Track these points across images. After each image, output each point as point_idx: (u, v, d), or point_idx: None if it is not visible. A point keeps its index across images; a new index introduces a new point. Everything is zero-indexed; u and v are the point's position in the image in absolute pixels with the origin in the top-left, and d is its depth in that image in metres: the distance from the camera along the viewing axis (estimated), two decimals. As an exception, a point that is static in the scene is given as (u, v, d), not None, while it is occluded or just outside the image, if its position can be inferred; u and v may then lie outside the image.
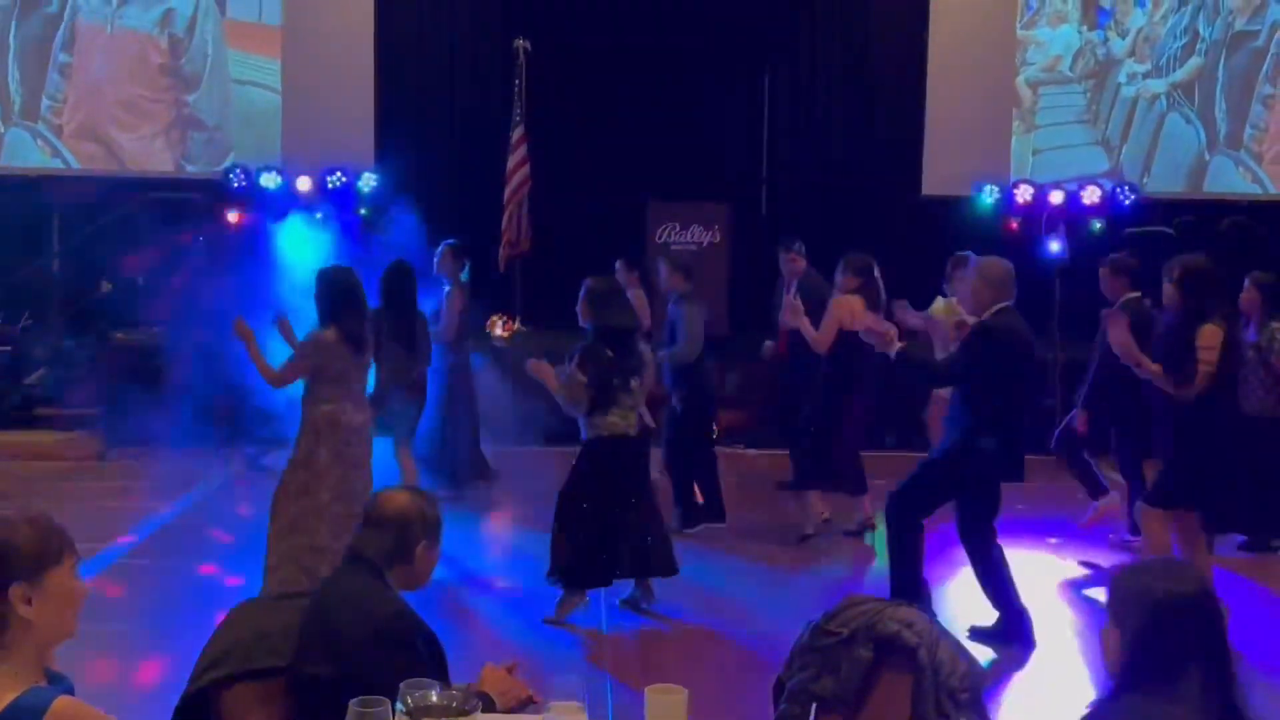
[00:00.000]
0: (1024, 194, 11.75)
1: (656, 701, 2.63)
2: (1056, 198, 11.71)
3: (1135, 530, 7.38)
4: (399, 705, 2.48)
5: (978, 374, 5.84)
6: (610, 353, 6.09)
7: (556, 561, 6.20)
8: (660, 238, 12.05)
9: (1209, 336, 5.78)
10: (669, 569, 6.35)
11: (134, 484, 8.66)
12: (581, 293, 6.26)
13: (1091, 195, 11.76)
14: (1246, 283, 7.57)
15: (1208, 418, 5.87)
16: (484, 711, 2.75)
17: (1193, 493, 5.98)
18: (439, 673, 3.01)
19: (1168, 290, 6.02)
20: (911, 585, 5.99)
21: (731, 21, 12.89)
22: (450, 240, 8.71)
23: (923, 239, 10.85)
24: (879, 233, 12.15)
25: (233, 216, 11.38)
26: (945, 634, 3.06)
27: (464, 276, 8.70)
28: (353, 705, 2.41)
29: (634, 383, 6.19)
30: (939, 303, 8.40)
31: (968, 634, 5.76)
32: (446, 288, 8.47)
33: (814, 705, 2.74)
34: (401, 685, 2.52)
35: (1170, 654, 2.48)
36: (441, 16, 12.66)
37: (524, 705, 3.06)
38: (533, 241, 11.48)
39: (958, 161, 12.09)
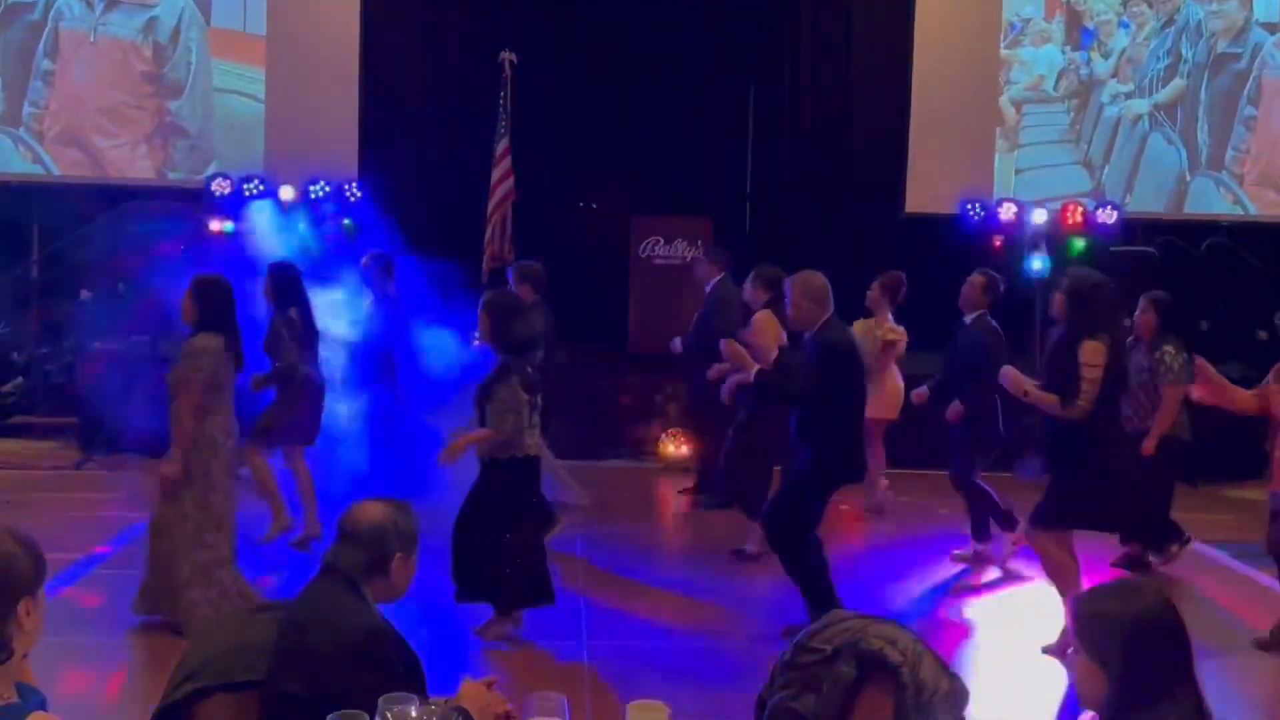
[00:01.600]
0: (1007, 212, 11.80)
1: (638, 718, 2.60)
2: (1039, 216, 11.76)
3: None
4: (377, 720, 2.45)
5: (828, 387, 6.01)
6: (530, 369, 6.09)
7: (498, 585, 6.07)
8: (644, 251, 12.04)
9: (1091, 353, 5.77)
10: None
11: (110, 494, 8.58)
12: (484, 308, 6.14)
13: (1074, 214, 11.81)
14: (1142, 302, 7.53)
15: (1093, 434, 5.85)
16: (463, 727, 2.72)
17: (1080, 510, 5.99)
18: (416, 688, 2.97)
19: (1058, 300, 6.08)
20: (828, 596, 6.08)
21: (716, 37, 12.93)
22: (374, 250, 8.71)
23: (906, 256, 10.84)
24: (862, 250, 12.18)
25: (214, 225, 11.32)
26: (928, 652, 3.05)
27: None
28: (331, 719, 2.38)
29: (538, 400, 6.11)
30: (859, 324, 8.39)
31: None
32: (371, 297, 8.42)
33: (797, 723, 2.71)
34: (380, 700, 2.49)
35: (1156, 676, 2.49)
36: (427, 28, 12.64)
37: (502, 720, 3.03)
38: (516, 254, 11.45)
39: (941, 179, 12.13)
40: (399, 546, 3.18)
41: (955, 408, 7.67)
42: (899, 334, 8.59)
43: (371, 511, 3.21)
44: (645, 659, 6.01)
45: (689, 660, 6.04)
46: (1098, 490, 5.94)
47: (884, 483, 9.00)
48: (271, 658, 2.99)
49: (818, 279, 6.23)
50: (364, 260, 8.56)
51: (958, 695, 2.99)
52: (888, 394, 8.57)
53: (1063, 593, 6.06)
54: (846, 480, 6.32)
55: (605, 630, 6.38)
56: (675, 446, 10.25)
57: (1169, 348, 7.34)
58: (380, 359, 8.30)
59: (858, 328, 8.23)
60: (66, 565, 6.78)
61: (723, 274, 8.90)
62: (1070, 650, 5.50)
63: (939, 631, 6.41)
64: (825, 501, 6.26)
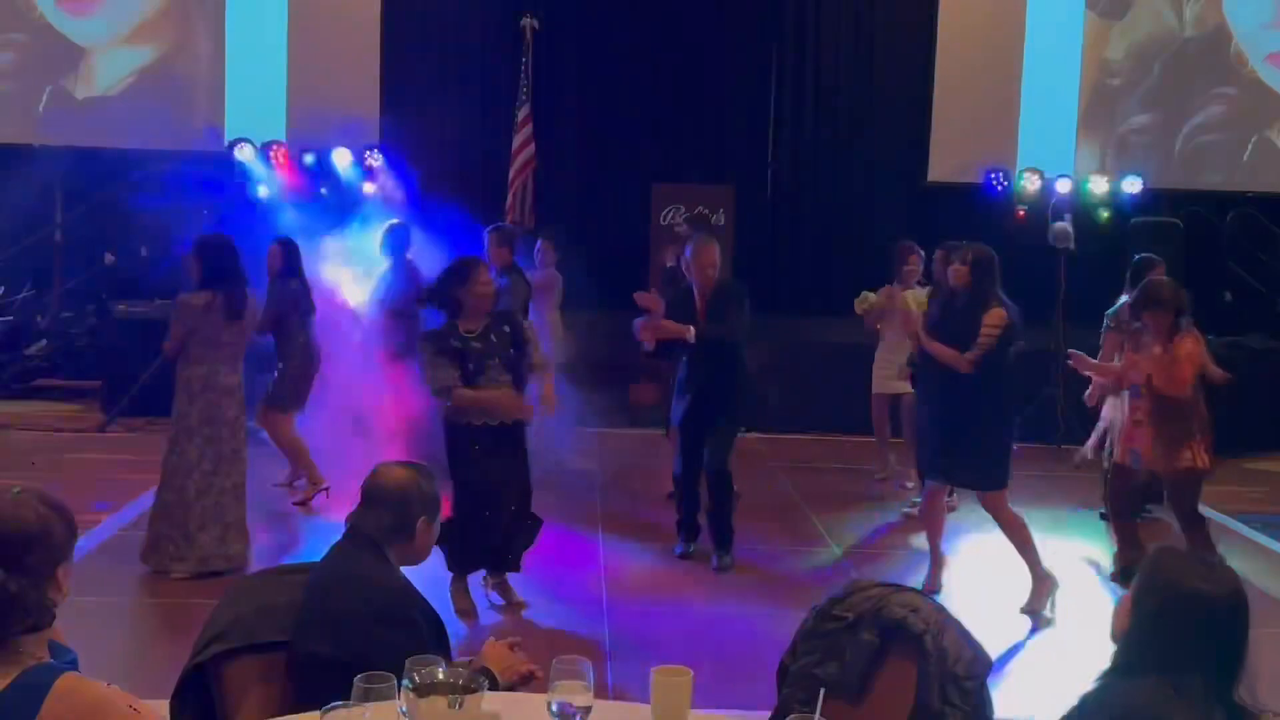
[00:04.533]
0: (1031, 182, 11.72)
1: (662, 682, 2.61)
2: (1064, 187, 11.67)
3: None
4: (405, 682, 2.46)
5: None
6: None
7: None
8: (665, 219, 12.00)
9: (994, 318, 6.13)
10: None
11: (135, 455, 8.63)
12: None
13: (1098, 185, 11.73)
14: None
15: (974, 388, 6.14)
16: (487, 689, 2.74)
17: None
18: (440, 650, 2.99)
19: (960, 271, 6.32)
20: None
21: (738, 3, 12.84)
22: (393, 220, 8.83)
23: (928, 226, 10.79)
24: (884, 219, 12.15)
25: (237, 190, 11.35)
26: (951, 620, 3.05)
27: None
28: (358, 681, 2.39)
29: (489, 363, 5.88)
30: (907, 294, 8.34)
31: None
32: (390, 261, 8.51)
33: (821, 690, 2.72)
34: (408, 662, 2.51)
35: (1175, 647, 2.47)
36: (449, -6, 12.60)
37: (525, 681, 3.05)
38: (537, 221, 11.45)
39: (965, 148, 12.06)
40: (422, 510, 3.21)
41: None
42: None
43: (396, 475, 3.24)
44: (666, 626, 6.04)
45: (710, 627, 6.07)
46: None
47: (892, 457, 8.92)
48: (297, 619, 3.01)
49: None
50: (383, 227, 8.62)
51: (980, 664, 2.99)
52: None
53: (1022, 549, 6.32)
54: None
55: (625, 597, 6.40)
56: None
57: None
58: (399, 325, 8.33)
59: (912, 298, 8.14)
60: (92, 526, 6.84)
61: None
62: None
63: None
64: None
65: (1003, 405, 6.34)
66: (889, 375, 8.38)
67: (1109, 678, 2.54)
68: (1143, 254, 8.02)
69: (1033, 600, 6.32)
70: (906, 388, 8.06)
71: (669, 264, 8.60)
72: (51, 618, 2.33)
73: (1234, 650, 2.49)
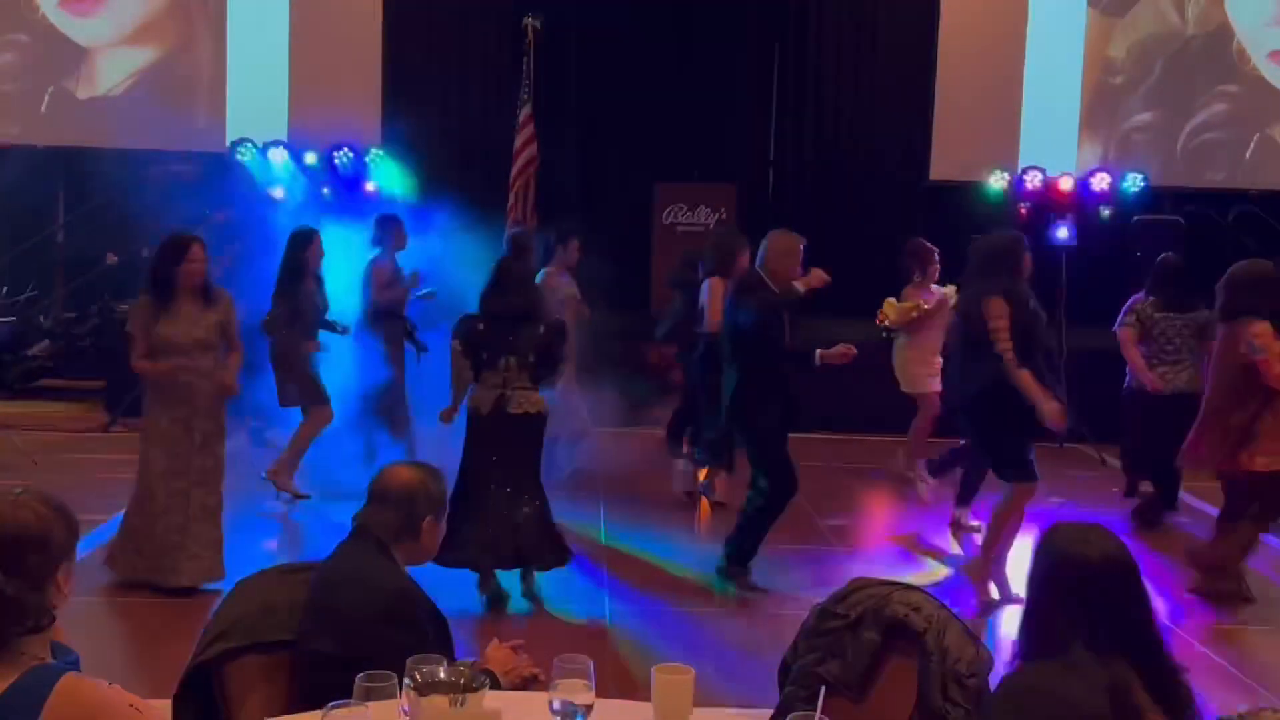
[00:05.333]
0: (1033, 180, 11.71)
1: (664, 681, 2.61)
2: (1065, 184, 11.66)
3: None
4: (406, 681, 2.47)
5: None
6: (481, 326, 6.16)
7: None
8: (667, 219, 12.02)
9: (994, 309, 6.01)
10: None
11: (137, 456, 8.64)
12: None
13: (1100, 182, 11.72)
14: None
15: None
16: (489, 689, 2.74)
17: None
18: (444, 649, 3.00)
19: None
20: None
21: (741, 2, 12.84)
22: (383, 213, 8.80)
23: (930, 224, 10.80)
24: (886, 218, 12.14)
25: (239, 190, 11.34)
26: (953, 619, 3.05)
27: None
28: (359, 680, 2.40)
29: (503, 361, 6.12)
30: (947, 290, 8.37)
31: None
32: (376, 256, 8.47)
33: (822, 688, 2.72)
34: (409, 661, 2.51)
35: (1058, 619, 2.51)
36: (451, -7, 12.61)
37: (528, 683, 3.05)
38: (539, 220, 11.44)
39: (967, 147, 12.05)
40: (429, 509, 3.22)
41: None
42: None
43: (402, 474, 3.26)
44: (668, 624, 6.04)
45: (712, 626, 6.07)
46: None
47: (901, 452, 8.93)
48: (302, 617, 3.02)
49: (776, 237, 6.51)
50: (375, 222, 8.63)
51: (982, 662, 2.99)
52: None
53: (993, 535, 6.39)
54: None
55: (628, 595, 6.41)
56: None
57: (1153, 299, 7.67)
58: (392, 322, 8.37)
59: (950, 291, 8.16)
60: (94, 526, 6.85)
61: None
62: None
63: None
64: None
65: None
66: (929, 374, 8.39)
67: (1016, 661, 2.59)
68: (1165, 253, 8.04)
69: (971, 567, 6.45)
70: (936, 385, 8.18)
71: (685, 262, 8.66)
72: (52, 619, 2.32)
73: (1112, 611, 2.50)
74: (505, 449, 6.13)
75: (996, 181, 11.78)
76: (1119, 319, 7.94)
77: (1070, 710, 2.39)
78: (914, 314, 8.27)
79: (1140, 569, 2.55)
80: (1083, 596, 2.49)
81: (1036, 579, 2.58)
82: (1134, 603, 2.52)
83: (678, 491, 8.34)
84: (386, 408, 8.28)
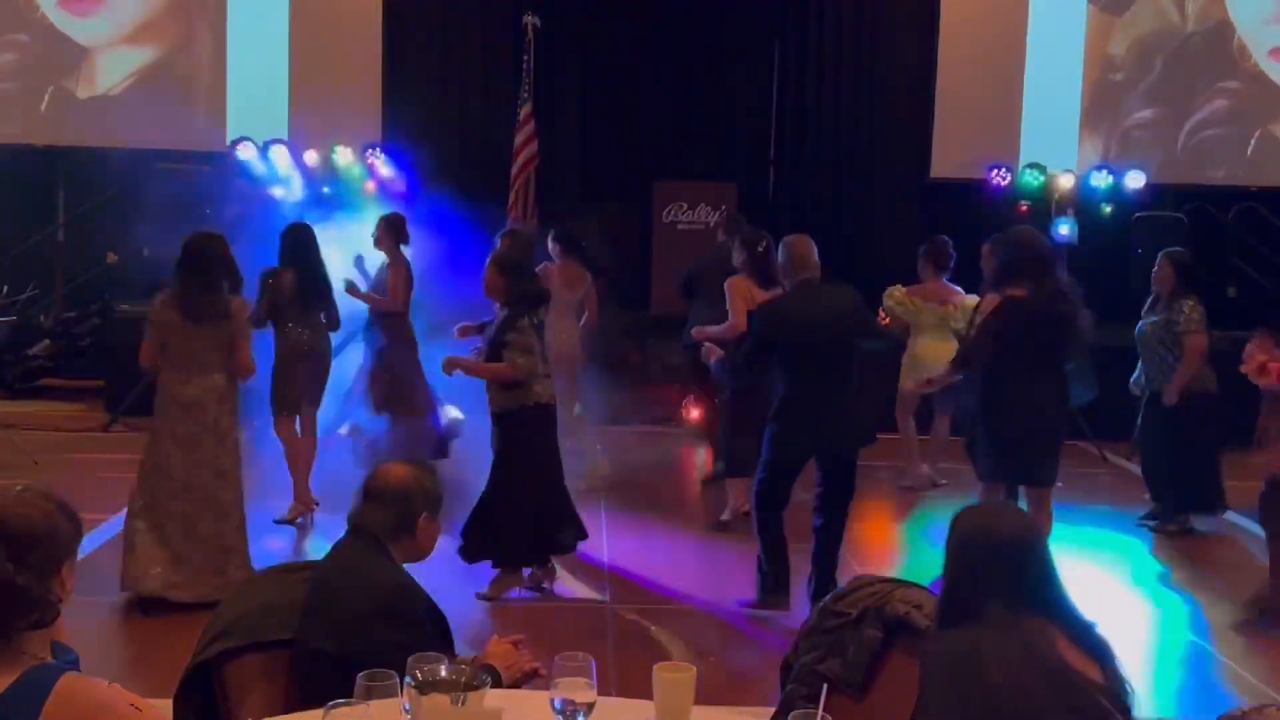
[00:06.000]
0: (1034, 177, 11.70)
1: (665, 680, 2.61)
2: (1066, 182, 11.65)
3: None
4: (408, 680, 2.46)
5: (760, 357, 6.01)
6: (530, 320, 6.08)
7: (505, 542, 6.11)
8: (667, 217, 12.01)
9: (986, 304, 5.98)
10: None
11: (138, 455, 8.64)
12: (492, 263, 6.16)
13: (1101, 180, 11.71)
14: (1160, 259, 7.56)
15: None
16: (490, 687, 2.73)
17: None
18: (443, 646, 3.00)
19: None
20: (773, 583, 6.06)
21: (741, 1, 12.83)
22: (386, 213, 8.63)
23: (932, 222, 10.79)
24: (887, 215, 12.14)
25: (238, 189, 11.34)
26: (955, 616, 3.05)
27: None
28: (360, 679, 2.39)
29: (544, 350, 6.18)
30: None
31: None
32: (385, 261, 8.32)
33: (824, 686, 2.72)
34: (410, 659, 2.50)
35: (969, 592, 2.66)
36: (450, -8, 12.60)
37: (529, 678, 3.06)
38: (539, 218, 11.44)
39: (968, 144, 12.04)
40: (424, 507, 3.22)
41: None
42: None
43: (397, 472, 3.26)
44: (670, 623, 6.03)
45: (714, 624, 6.06)
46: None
47: (924, 467, 8.66)
48: (301, 616, 3.02)
49: (796, 242, 6.09)
50: (382, 221, 8.52)
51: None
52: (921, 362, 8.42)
53: None
54: (798, 457, 6.04)
55: (630, 593, 6.40)
56: (691, 414, 10.06)
57: (1189, 302, 7.35)
58: (395, 321, 8.31)
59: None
60: (95, 526, 6.85)
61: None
62: None
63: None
64: (786, 480, 6.04)
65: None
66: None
67: (939, 627, 2.73)
68: (1175, 248, 7.92)
69: None
70: None
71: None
72: (56, 614, 2.33)
73: (1022, 577, 2.64)
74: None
75: (997, 179, 11.76)
76: (1199, 325, 7.42)
77: (982, 665, 2.51)
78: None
79: (1046, 543, 2.74)
80: (993, 567, 2.64)
81: (952, 551, 2.72)
82: (1043, 569, 2.69)
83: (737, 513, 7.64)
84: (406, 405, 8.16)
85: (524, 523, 6.08)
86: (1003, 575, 2.62)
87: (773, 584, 6.04)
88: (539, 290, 6.28)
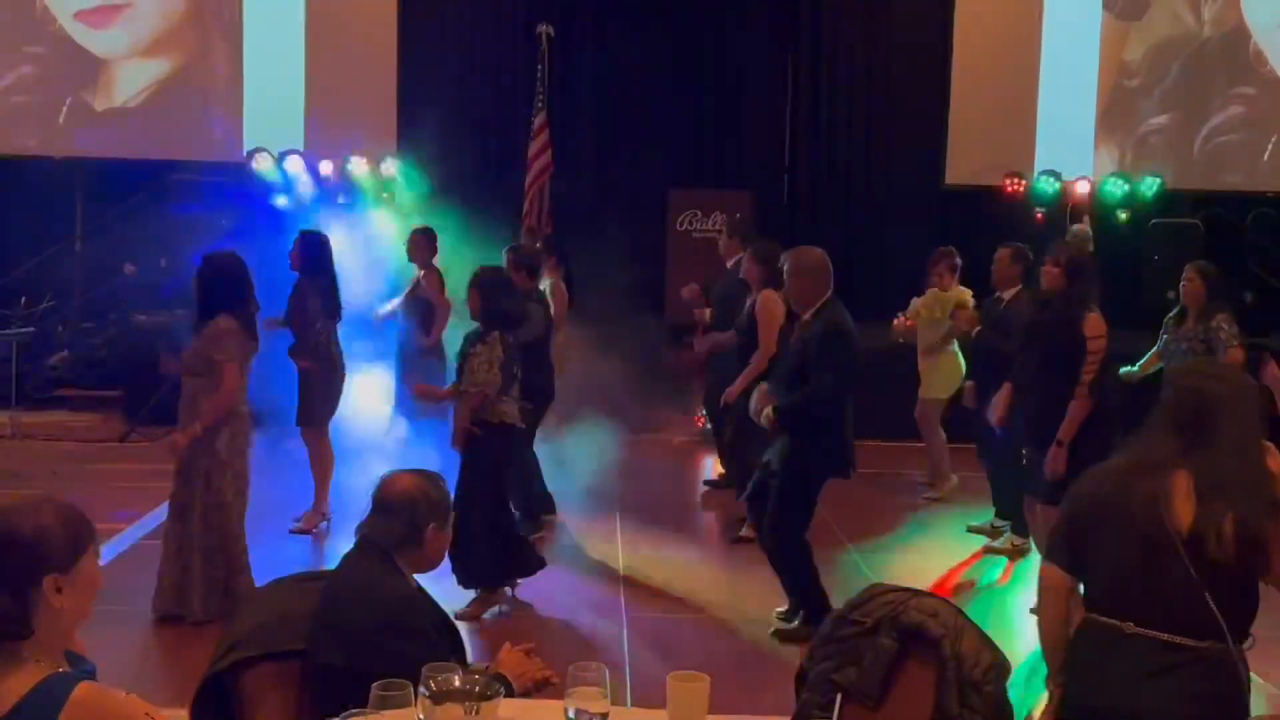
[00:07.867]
0: (1049, 184, 11.68)
1: (679, 689, 2.61)
2: (1082, 188, 11.62)
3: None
4: (422, 689, 2.46)
5: (842, 377, 5.56)
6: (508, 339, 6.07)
7: (479, 564, 5.98)
8: (681, 225, 12.01)
9: (1095, 325, 5.73)
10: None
11: (155, 465, 8.67)
12: (471, 284, 6.14)
13: (1117, 186, 11.68)
14: (1187, 271, 7.39)
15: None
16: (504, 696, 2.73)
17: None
18: (454, 656, 2.99)
19: (1052, 274, 5.93)
20: (816, 602, 5.77)
21: (755, 9, 12.84)
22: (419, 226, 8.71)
23: (946, 230, 10.77)
24: (901, 223, 12.12)
25: (256, 200, 11.39)
26: (971, 625, 3.03)
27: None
28: (375, 689, 2.40)
29: (518, 371, 6.13)
30: (916, 302, 8.35)
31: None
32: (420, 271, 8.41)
33: (839, 696, 2.71)
34: (425, 669, 2.51)
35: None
36: (464, 2, 12.64)
37: (542, 687, 3.05)
38: (554, 227, 11.46)
39: (983, 151, 12.02)
40: (432, 517, 3.20)
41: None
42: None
43: (403, 483, 3.24)
44: (684, 631, 6.03)
45: (728, 633, 6.05)
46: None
47: (953, 479, 8.58)
48: (310, 629, 3.02)
49: (814, 253, 5.78)
50: (410, 234, 8.58)
51: (1000, 668, 2.97)
52: (945, 371, 8.36)
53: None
54: (832, 474, 5.80)
55: (643, 603, 6.39)
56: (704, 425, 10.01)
57: (1222, 315, 7.25)
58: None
59: (922, 302, 8.13)
60: (112, 536, 6.87)
61: (744, 251, 8.65)
62: None
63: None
64: (813, 501, 5.86)
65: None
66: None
67: None
68: (1201, 261, 7.81)
69: None
70: None
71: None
72: (28, 631, 2.26)
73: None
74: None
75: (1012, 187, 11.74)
76: (1238, 338, 7.13)
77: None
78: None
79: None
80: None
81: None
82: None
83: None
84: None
85: (492, 544, 5.99)
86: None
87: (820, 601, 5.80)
88: (517, 311, 6.29)
